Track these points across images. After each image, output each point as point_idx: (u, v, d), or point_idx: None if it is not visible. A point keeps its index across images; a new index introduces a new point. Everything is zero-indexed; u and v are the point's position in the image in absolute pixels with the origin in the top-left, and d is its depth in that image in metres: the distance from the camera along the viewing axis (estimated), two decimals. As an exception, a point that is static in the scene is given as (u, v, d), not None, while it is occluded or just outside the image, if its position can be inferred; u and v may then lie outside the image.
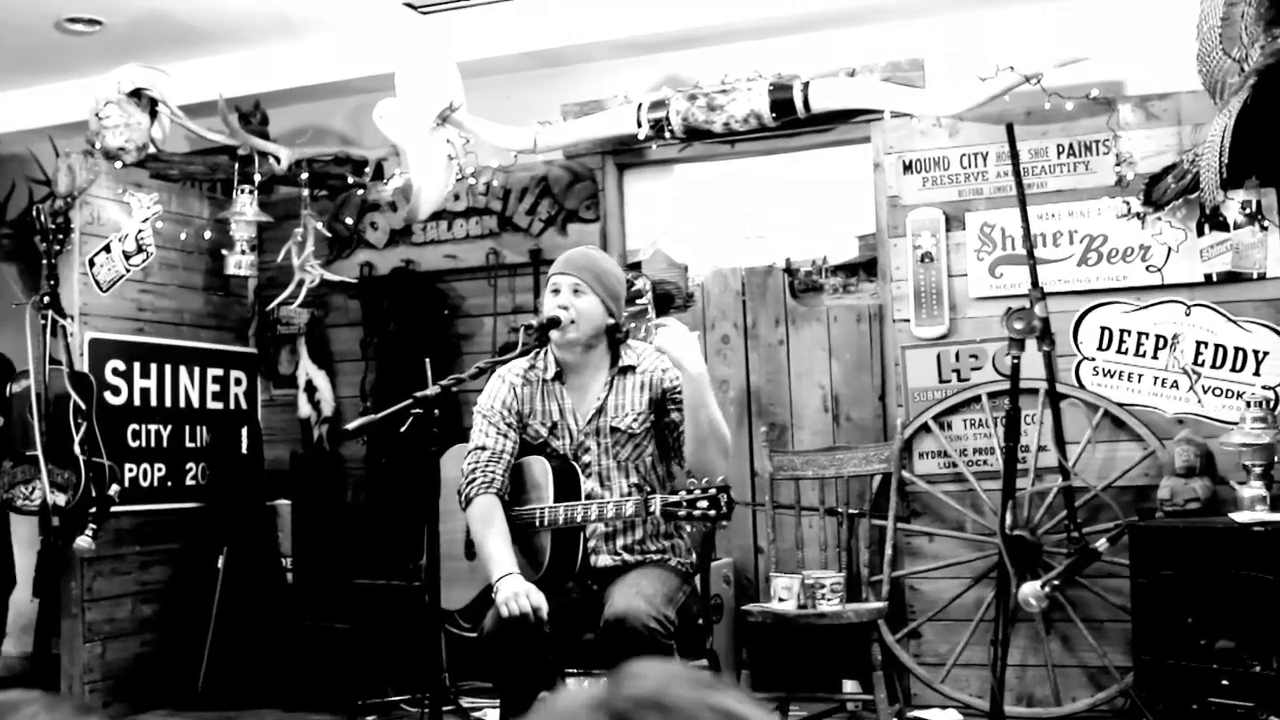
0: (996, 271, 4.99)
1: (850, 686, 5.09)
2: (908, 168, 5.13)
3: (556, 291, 3.70)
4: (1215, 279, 4.70)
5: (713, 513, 3.36)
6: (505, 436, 3.72)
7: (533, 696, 3.47)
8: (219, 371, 6.06)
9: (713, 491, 3.37)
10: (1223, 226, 4.65)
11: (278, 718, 5.26)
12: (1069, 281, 4.88)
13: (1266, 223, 4.58)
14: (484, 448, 3.71)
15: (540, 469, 3.69)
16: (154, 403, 5.70)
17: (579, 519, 3.57)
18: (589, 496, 3.63)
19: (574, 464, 3.70)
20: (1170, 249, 4.76)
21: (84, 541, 4.99)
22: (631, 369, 3.74)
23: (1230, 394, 4.65)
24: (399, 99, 5.38)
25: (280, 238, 5.93)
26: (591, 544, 3.67)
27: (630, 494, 3.60)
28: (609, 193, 5.73)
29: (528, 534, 3.65)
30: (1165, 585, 4.05)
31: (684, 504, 3.38)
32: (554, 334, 3.65)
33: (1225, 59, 4.20)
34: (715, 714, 0.99)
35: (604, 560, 3.67)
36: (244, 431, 6.01)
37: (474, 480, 3.67)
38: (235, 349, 6.18)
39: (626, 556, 3.68)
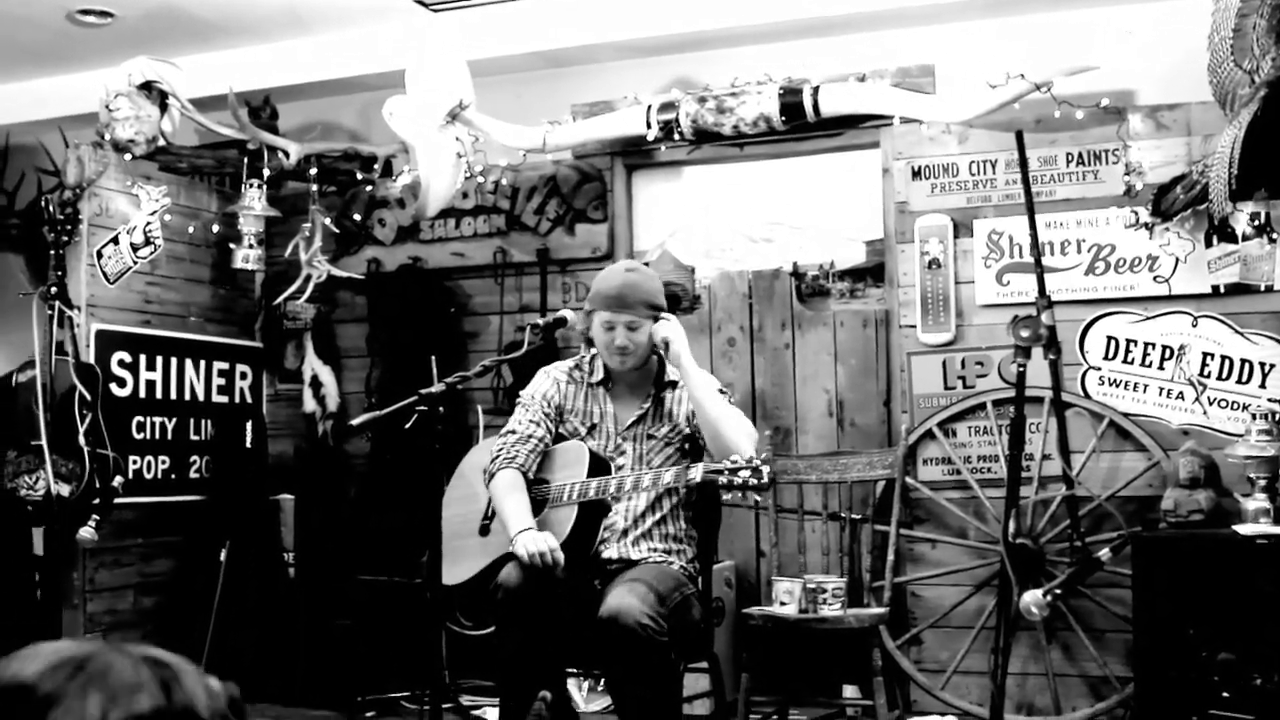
0: (1004, 279, 4.98)
1: (850, 692, 5.08)
2: (916, 174, 5.13)
3: (610, 328, 3.70)
4: (1223, 290, 4.70)
5: (754, 481, 3.40)
6: (537, 424, 3.80)
7: (536, 686, 3.53)
8: (224, 365, 6.07)
9: (756, 463, 3.41)
10: (1231, 238, 4.63)
11: (278, 713, 5.25)
12: (1076, 290, 4.87)
13: (1275, 235, 4.57)
14: (514, 431, 3.81)
15: (577, 451, 3.77)
16: (159, 395, 5.71)
17: (613, 490, 3.64)
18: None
19: (607, 459, 3.78)
20: (1178, 260, 4.75)
21: (87, 533, 4.99)
22: (674, 384, 3.80)
23: (1236, 406, 4.65)
24: (409, 96, 5.38)
25: (288, 233, 5.93)
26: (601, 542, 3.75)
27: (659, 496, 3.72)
28: (617, 193, 5.73)
29: (555, 507, 3.71)
30: (1167, 596, 4.04)
31: (726, 472, 3.43)
32: (615, 362, 3.73)
33: (1236, 70, 4.19)
34: (141, 662, 0.99)
35: (611, 553, 3.72)
36: (248, 425, 6.00)
37: (498, 457, 3.76)
38: (241, 343, 6.18)
39: (633, 554, 3.72)
